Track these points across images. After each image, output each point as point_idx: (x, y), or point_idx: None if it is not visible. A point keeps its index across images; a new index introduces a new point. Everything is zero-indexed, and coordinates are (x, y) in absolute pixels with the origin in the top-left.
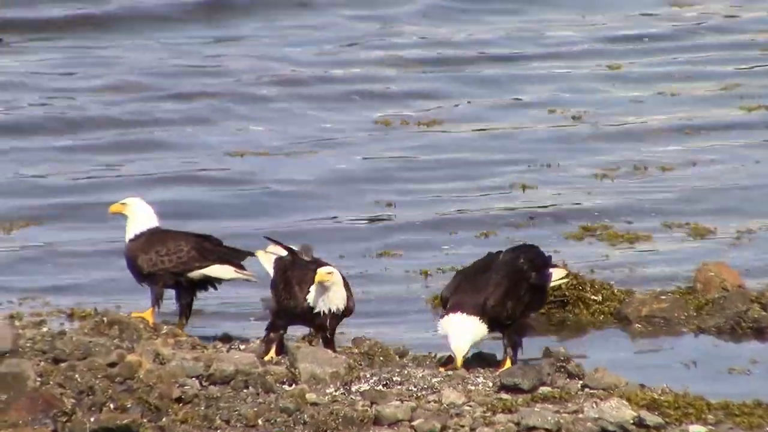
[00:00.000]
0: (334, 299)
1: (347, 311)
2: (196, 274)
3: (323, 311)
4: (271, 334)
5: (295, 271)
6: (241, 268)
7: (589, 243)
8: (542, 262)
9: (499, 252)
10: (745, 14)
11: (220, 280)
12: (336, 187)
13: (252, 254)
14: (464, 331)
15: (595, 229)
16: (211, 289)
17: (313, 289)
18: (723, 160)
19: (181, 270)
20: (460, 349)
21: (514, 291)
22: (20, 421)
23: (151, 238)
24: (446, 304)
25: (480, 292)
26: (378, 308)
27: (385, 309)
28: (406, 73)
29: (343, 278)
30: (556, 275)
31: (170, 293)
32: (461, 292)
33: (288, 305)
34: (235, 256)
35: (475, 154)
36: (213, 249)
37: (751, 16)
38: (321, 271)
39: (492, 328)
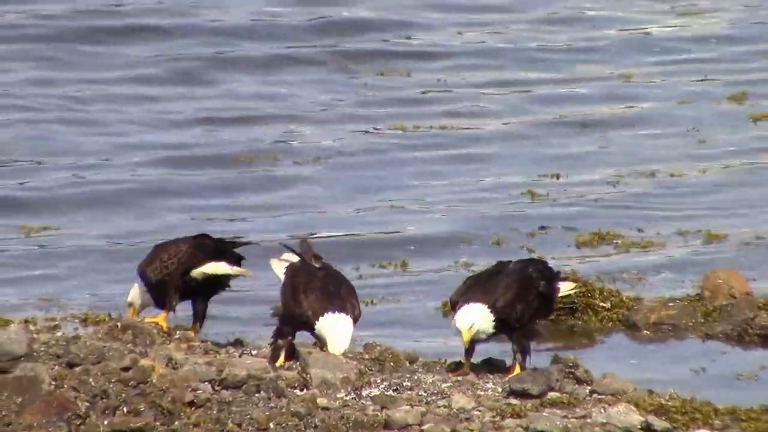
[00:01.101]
0: None
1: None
2: (197, 273)
3: None
4: (279, 341)
5: (302, 278)
6: (238, 261)
7: (601, 250)
8: (550, 275)
9: (509, 261)
10: None
11: (228, 279)
12: None
13: (250, 243)
14: (470, 313)
15: (606, 236)
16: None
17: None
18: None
19: (185, 269)
20: (464, 326)
21: (523, 295)
22: (35, 424)
23: (155, 251)
24: (455, 306)
25: (490, 294)
26: None
27: None
28: None
29: (352, 286)
30: (566, 287)
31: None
32: (471, 294)
33: (294, 312)
34: (232, 246)
35: None
36: (212, 244)
37: None
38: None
39: (500, 330)
